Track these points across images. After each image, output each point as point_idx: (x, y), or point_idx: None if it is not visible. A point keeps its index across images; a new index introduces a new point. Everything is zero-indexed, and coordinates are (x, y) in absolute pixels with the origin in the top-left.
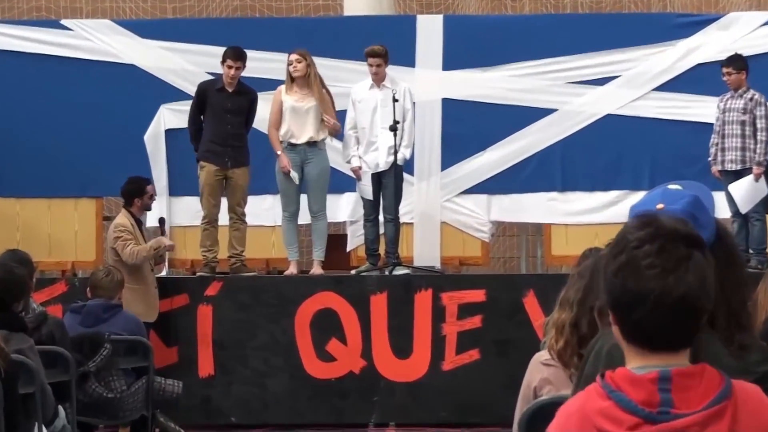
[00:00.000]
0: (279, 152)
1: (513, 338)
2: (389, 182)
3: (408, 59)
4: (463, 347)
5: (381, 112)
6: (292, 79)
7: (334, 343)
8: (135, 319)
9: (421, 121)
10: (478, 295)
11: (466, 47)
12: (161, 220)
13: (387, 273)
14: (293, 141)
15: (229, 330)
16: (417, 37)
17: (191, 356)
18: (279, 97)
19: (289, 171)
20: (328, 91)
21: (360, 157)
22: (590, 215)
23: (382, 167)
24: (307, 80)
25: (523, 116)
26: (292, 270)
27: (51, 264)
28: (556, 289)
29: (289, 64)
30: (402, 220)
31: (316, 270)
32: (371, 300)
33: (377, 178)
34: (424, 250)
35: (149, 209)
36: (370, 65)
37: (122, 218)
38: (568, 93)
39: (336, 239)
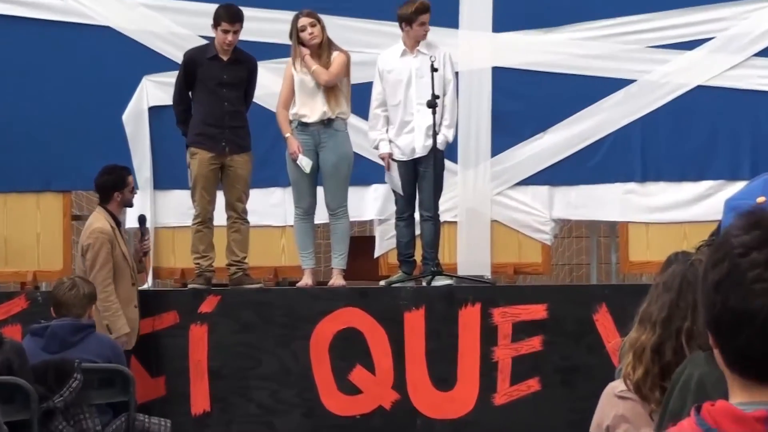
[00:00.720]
0: (287, 134)
1: (581, 365)
2: (428, 172)
3: (450, 18)
4: (519, 376)
5: (417, 84)
6: (300, 44)
7: (360, 372)
8: (111, 342)
9: (466, 95)
10: (537, 312)
11: (522, 3)
12: (141, 219)
13: (425, 284)
14: (305, 120)
15: (228, 356)
16: None
17: (182, 388)
18: (290, 72)
19: (297, 157)
20: (345, 53)
21: (391, 141)
22: (677, 211)
23: (419, 152)
24: (319, 48)
25: (593, 89)
26: (306, 281)
27: (7, 275)
28: (634, 304)
29: (301, 29)
30: (443, 218)
31: (337, 281)
32: (405, 318)
33: (413, 166)
34: (470, 256)
35: (130, 205)
36: (421, 24)
37: (99, 220)
38: (648, 59)
39: (361, 242)
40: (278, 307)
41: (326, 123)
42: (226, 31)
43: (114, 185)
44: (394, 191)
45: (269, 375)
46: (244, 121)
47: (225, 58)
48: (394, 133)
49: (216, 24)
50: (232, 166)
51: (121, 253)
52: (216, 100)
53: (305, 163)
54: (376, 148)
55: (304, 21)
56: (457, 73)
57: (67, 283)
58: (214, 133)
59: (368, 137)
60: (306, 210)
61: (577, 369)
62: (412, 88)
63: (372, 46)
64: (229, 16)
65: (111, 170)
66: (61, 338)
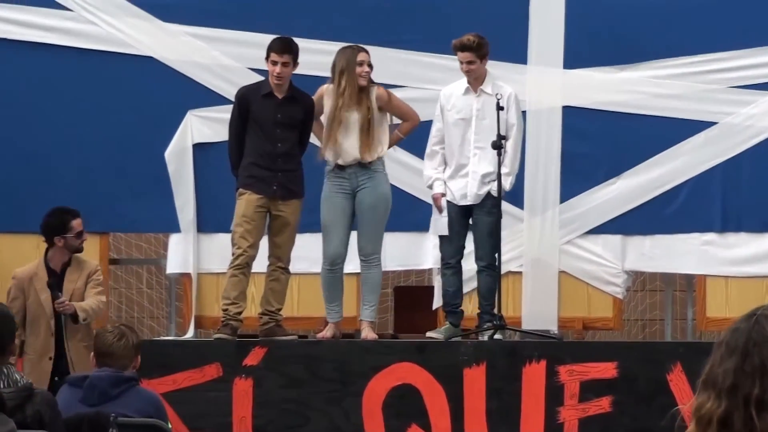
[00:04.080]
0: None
1: (653, 428)
2: (482, 219)
3: (517, 53)
4: None
5: (477, 125)
6: (352, 82)
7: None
8: (154, 397)
9: (534, 135)
10: (607, 370)
11: (596, 37)
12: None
13: (486, 338)
14: (340, 162)
15: (274, 413)
16: (530, 23)
17: None
18: (320, 100)
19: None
20: (388, 93)
21: (445, 182)
22: (759, 264)
23: (471, 200)
24: (358, 90)
25: (671, 131)
26: (327, 333)
27: None
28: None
29: (359, 64)
30: (507, 268)
31: (367, 334)
32: (465, 374)
33: (465, 212)
34: (536, 309)
35: (78, 250)
36: (460, 62)
37: (28, 264)
38: (731, 101)
39: (418, 293)
40: (328, 361)
41: (363, 165)
42: (274, 63)
43: (54, 229)
44: (439, 237)
45: None
46: (298, 165)
47: (280, 96)
48: (449, 174)
49: (267, 56)
50: (282, 213)
51: (38, 301)
52: (270, 140)
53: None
54: (430, 187)
55: (364, 56)
56: (524, 112)
57: (115, 332)
58: (265, 175)
59: (423, 174)
60: (335, 260)
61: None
62: (471, 130)
63: (437, 82)
64: (277, 46)
65: (53, 213)
66: (100, 390)
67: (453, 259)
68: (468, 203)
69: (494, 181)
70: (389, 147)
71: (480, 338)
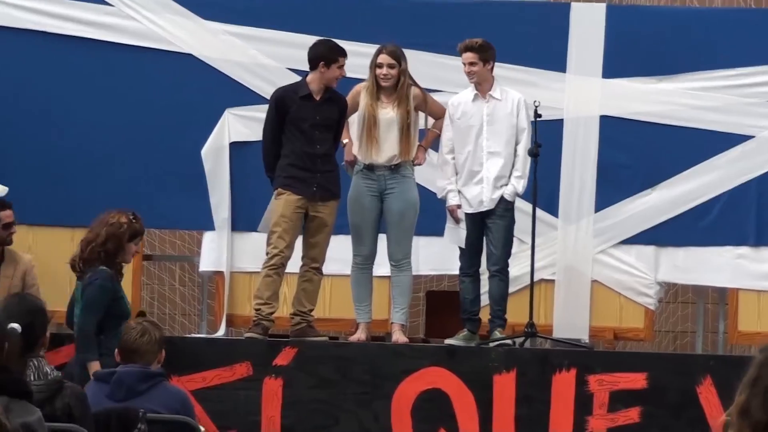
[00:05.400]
0: (345, 140)
1: None
2: (495, 224)
3: (556, 62)
4: None
5: (488, 131)
6: (377, 84)
7: None
8: (181, 393)
9: (571, 144)
10: (637, 380)
11: (635, 48)
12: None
13: (516, 345)
14: (373, 161)
15: (303, 413)
16: (570, 31)
17: None
18: (355, 98)
19: (352, 165)
20: (420, 89)
21: (459, 192)
22: None
23: (487, 206)
24: (396, 89)
25: (707, 143)
26: (360, 336)
27: None
28: (741, 377)
29: (378, 66)
30: (539, 275)
31: (398, 337)
32: (495, 380)
33: (480, 219)
34: (567, 317)
35: (6, 243)
36: (463, 63)
37: None
38: None
39: (450, 298)
40: (359, 363)
41: (394, 168)
42: (342, 67)
43: None
44: (459, 247)
45: None
46: (335, 166)
47: (318, 98)
48: (462, 182)
49: (332, 61)
50: (320, 214)
51: None
52: (308, 142)
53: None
54: (443, 198)
55: (383, 59)
56: (561, 121)
57: (138, 328)
58: (305, 176)
59: (436, 185)
60: (366, 258)
61: None
62: (483, 135)
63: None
64: (344, 51)
65: None
66: (127, 386)
67: (470, 268)
68: (484, 209)
69: (506, 185)
70: (427, 146)
71: (512, 345)
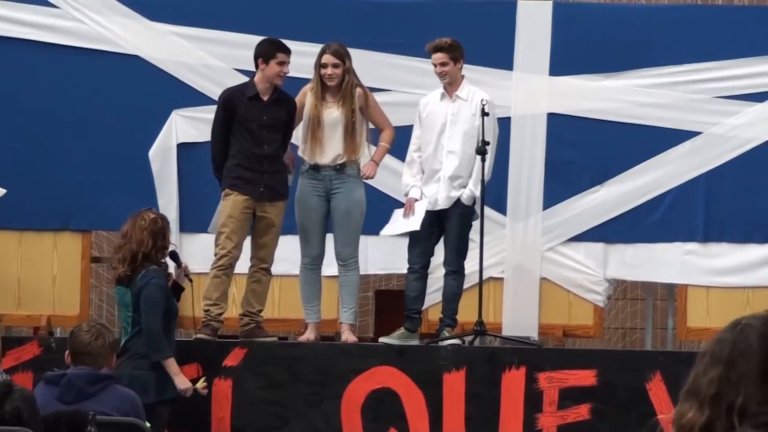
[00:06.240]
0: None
1: None
2: (451, 226)
3: (503, 60)
4: None
5: (450, 130)
6: (322, 83)
7: None
8: (130, 395)
9: (519, 141)
10: (587, 377)
11: (582, 45)
12: (173, 255)
13: (466, 344)
14: (317, 161)
15: (253, 413)
16: (517, 29)
17: None
18: (302, 99)
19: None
20: (364, 89)
21: (421, 189)
22: (740, 275)
23: (442, 204)
24: (340, 88)
25: (655, 140)
26: (309, 336)
27: (20, 318)
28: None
29: (322, 65)
30: (488, 273)
31: (347, 337)
32: (444, 379)
33: (436, 218)
34: (516, 315)
35: None
36: (434, 64)
37: None
38: (716, 111)
39: (400, 297)
40: (308, 363)
41: (339, 168)
42: (282, 63)
43: None
44: (410, 236)
45: None
46: (283, 167)
47: (265, 98)
48: (423, 180)
49: (269, 57)
50: (267, 214)
51: None
52: (256, 142)
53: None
54: (407, 194)
55: (327, 58)
56: (509, 119)
57: (91, 331)
58: (252, 177)
59: (402, 181)
60: (314, 259)
61: None
62: (445, 134)
63: (420, 86)
64: (284, 47)
65: None
66: (77, 388)
67: (417, 264)
68: (439, 208)
69: (464, 186)
70: (378, 161)
71: (461, 344)
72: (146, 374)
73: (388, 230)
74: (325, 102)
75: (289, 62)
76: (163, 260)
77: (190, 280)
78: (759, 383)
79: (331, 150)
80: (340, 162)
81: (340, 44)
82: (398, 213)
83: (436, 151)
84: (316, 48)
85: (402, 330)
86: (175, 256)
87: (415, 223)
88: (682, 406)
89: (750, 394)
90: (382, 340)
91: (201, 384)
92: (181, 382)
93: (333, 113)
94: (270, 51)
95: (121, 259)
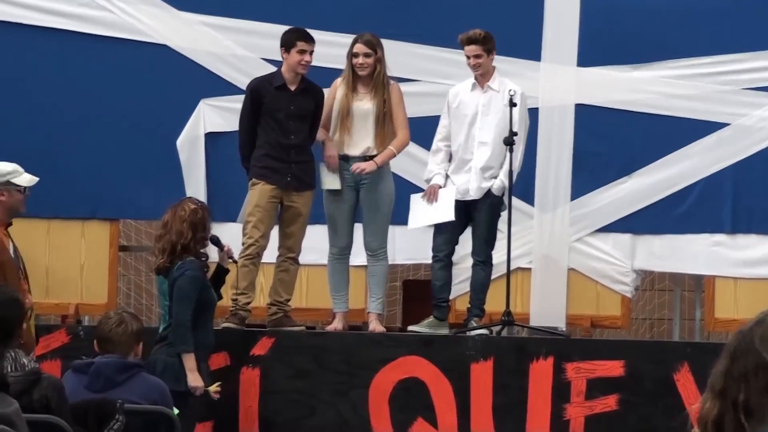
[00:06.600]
0: (323, 138)
1: (659, 427)
2: (481, 216)
3: (531, 50)
4: None
5: (481, 120)
6: (354, 73)
7: (421, 425)
8: (159, 384)
9: (546, 133)
10: (614, 368)
11: (610, 36)
12: (215, 240)
13: (493, 333)
14: (347, 152)
15: (281, 403)
16: (545, 20)
17: None
18: (333, 92)
19: (335, 167)
20: (396, 85)
21: (448, 177)
22: None
23: (473, 195)
24: (372, 78)
25: (683, 131)
26: (337, 325)
27: (48, 307)
28: None
29: (354, 55)
30: (516, 264)
31: (375, 326)
32: (472, 369)
33: (464, 209)
34: (544, 306)
35: None
36: (467, 56)
37: None
38: (744, 102)
39: (427, 287)
40: (336, 352)
41: (368, 159)
42: (303, 51)
43: None
44: (435, 228)
45: (324, 425)
46: (311, 156)
47: (293, 88)
48: (452, 170)
49: (290, 46)
50: (295, 204)
51: None
52: (283, 132)
53: (330, 179)
54: (429, 180)
55: (359, 48)
56: (536, 110)
57: (115, 318)
58: (279, 166)
59: (426, 168)
60: (342, 249)
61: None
62: (476, 125)
63: (448, 77)
64: (305, 35)
65: None
66: (105, 377)
67: (442, 252)
68: (470, 198)
69: (495, 177)
70: (380, 163)
71: (489, 334)
72: (180, 362)
73: (415, 222)
74: (356, 93)
75: (310, 51)
76: (202, 251)
77: (235, 261)
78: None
79: (361, 141)
80: (370, 153)
81: (372, 34)
82: (417, 201)
83: (467, 142)
84: (344, 38)
85: (431, 318)
86: (216, 241)
87: (448, 212)
88: (703, 398)
89: (750, 392)
90: (411, 328)
91: (214, 388)
92: (194, 379)
93: (364, 105)
94: (290, 40)
95: (160, 249)
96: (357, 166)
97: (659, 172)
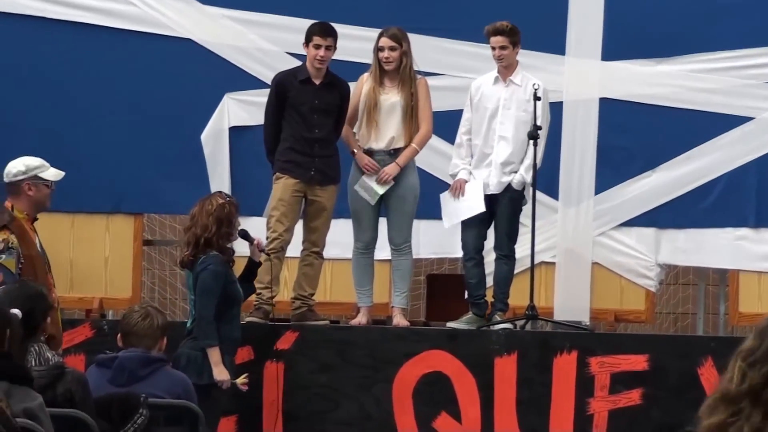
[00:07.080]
0: (355, 149)
1: (684, 422)
2: (502, 210)
3: (556, 44)
4: (616, 431)
5: (502, 115)
6: (381, 68)
7: (445, 419)
8: (182, 378)
9: (570, 127)
10: (638, 362)
11: (634, 30)
12: (244, 233)
13: (517, 328)
14: (372, 145)
15: (305, 397)
16: (569, 14)
17: (253, 429)
18: (360, 87)
19: (376, 170)
20: (423, 79)
21: (471, 172)
22: None
23: (493, 189)
24: (399, 72)
25: (707, 125)
26: (361, 319)
27: (72, 301)
28: None
29: (380, 49)
30: (540, 258)
31: (399, 321)
32: (496, 363)
33: (486, 202)
34: (568, 300)
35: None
36: (492, 48)
37: None
38: None
39: (451, 281)
40: (360, 346)
41: (393, 153)
42: (318, 46)
43: None
44: (462, 226)
45: (348, 419)
46: (335, 151)
47: (317, 82)
48: (474, 164)
49: (307, 40)
50: (319, 198)
51: None
52: (307, 126)
53: (372, 187)
54: (455, 175)
55: (384, 42)
56: (561, 104)
57: (140, 312)
58: (303, 160)
59: (450, 164)
60: (366, 244)
61: (679, 426)
62: (497, 119)
63: (470, 70)
64: (321, 29)
65: None
66: (129, 371)
67: (472, 249)
68: (490, 192)
69: (515, 172)
70: (403, 164)
71: (512, 328)
72: (203, 356)
73: (449, 220)
74: (383, 87)
75: (326, 45)
76: (228, 245)
77: (267, 254)
78: None
79: (387, 134)
80: (395, 147)
81: (398, 28)
82: (447, 199)
83: (488, 136)
84: (371, 32)
85: (470, 314)
86: (245, 235)
87: (479, 204)
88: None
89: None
90: (449, 324)
91: (241, 380)
92: (220, 373)
93: (391, 98)
94: (307, 34)
95: (186, 242)
96: (384, 173)
97: (683, 166)
